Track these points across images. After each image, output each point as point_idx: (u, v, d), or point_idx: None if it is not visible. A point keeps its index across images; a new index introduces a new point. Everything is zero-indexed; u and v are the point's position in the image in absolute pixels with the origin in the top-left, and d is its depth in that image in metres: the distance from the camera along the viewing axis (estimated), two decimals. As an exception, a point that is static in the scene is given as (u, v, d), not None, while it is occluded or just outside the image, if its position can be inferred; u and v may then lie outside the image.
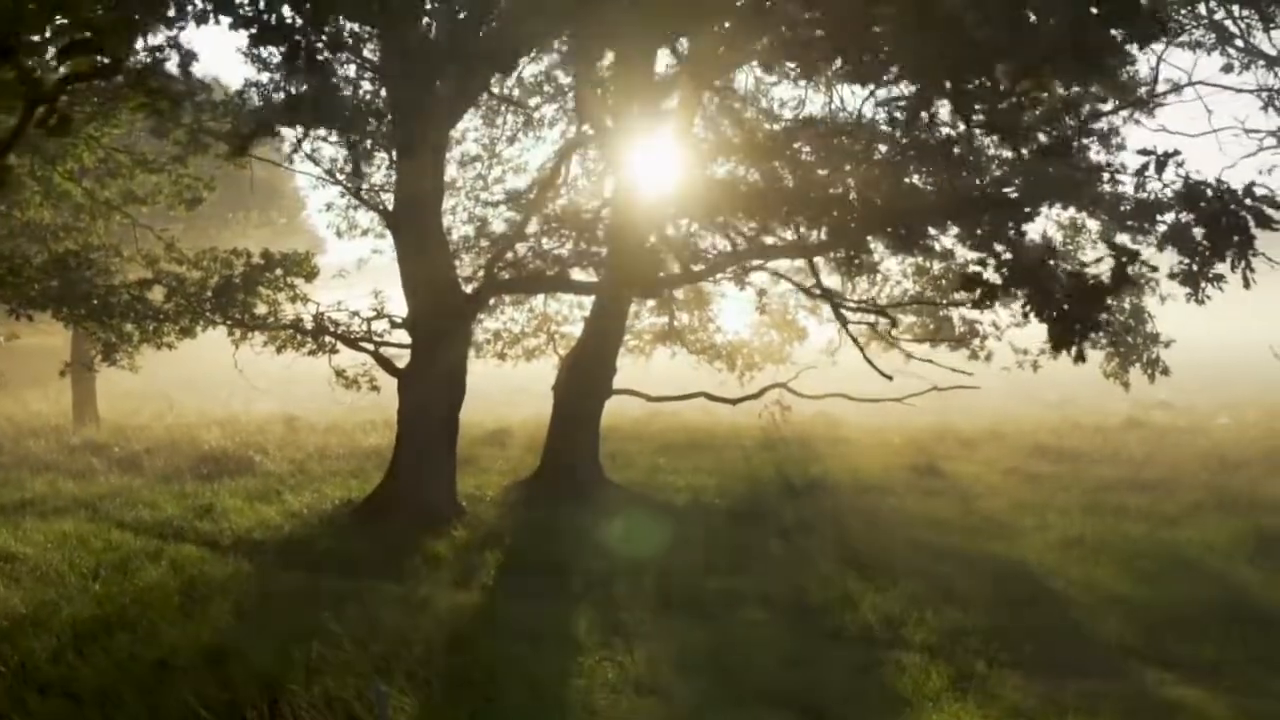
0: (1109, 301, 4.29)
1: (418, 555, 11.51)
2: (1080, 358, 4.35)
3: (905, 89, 6.77)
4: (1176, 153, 5.69)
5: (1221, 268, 9.99)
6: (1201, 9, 14.17)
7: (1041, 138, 7.43)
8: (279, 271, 14.68)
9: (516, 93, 19.48)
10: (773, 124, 14.40)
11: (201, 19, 9.59)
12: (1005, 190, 6.06)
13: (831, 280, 20.18)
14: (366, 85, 13.56)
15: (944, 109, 6.96)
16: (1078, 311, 4.16)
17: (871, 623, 9.28)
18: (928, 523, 13.79)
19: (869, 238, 9.60)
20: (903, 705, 7.26)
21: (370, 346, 13.84)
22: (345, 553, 11.63)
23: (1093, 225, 15.73)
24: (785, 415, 20.93)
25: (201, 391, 31.67)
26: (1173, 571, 11.03)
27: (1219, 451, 18.81)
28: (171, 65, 13.67)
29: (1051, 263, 4.78)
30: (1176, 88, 14.95)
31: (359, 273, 20.10)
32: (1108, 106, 17.27)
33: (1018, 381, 20.87)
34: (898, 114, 6.36)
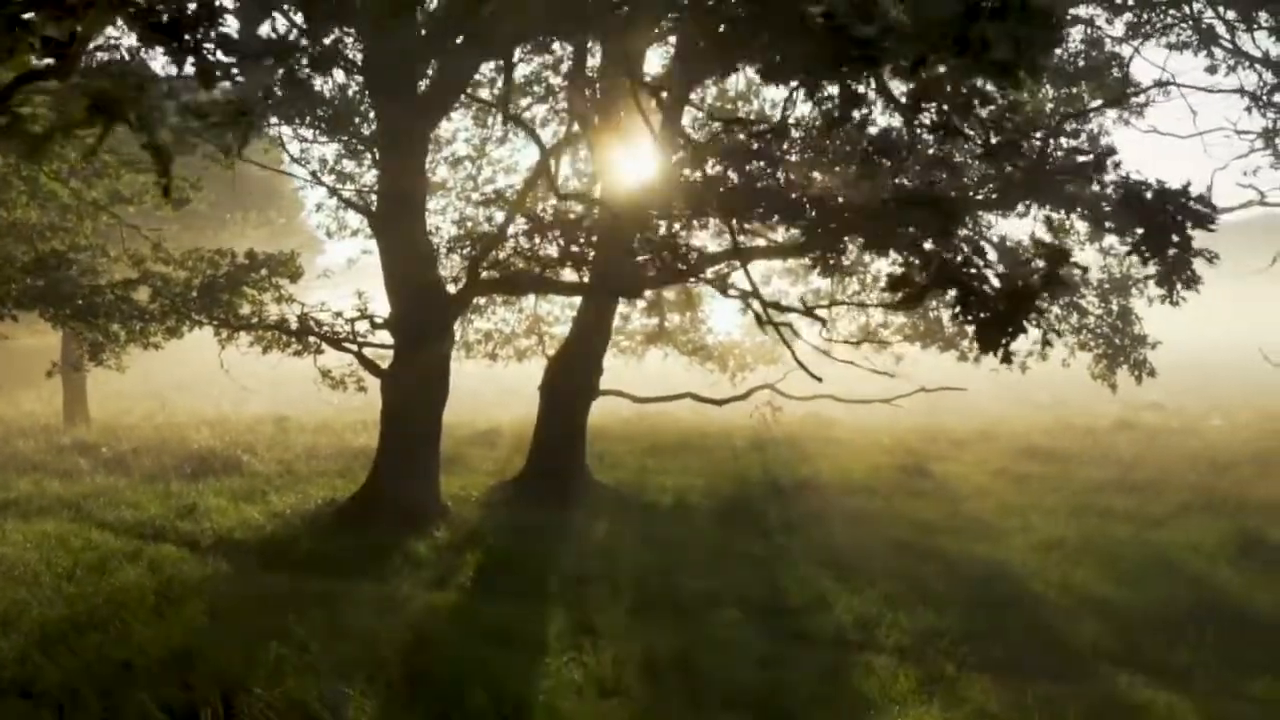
0: (1038, 303, 4.24)
1: (398, 556, 11.49)
2: (1007, 359, 4.31)
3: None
4: (1112, 151, 5.65)
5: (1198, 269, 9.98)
6: (1187, 9, 14.12)
7: (1013, 139, 7.45)
8: (264, 272, 14.73)
9: (507, 93, 19.57)
10: (759, 124, 14.34)
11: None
12: (936, 189, 6.05)
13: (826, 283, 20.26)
14: (348, 82, 13.59)
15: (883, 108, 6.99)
16: (1006, 313, 4.12)
17: (845, 624, 9.25)
18: (912, 524, 13.75)
19: (845, 238, 9.55)
20: (868, 708, 7.22)
21: (354, 347, 13.83)
22: (325, 553, 11.60)
23: (1082, 226, 15.75)
24: (776, 416, 20.94)
25: (195, 392, 31.69)
26: (1153, 574, 10.98)
27: (1209, 453, 18.75)
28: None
29: (979, 263, 4.75)
30: (1159, 85, 14.89)
31: (349, 273, 20.18)
32: (1100, 105, 17.28)
33: (1011, 383, 20.84)
34: (831, 113, 6.34)
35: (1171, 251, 6.62)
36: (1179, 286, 8.60)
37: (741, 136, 9.42)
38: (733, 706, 7.16)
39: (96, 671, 7.21)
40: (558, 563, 11.19)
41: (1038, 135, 8.06)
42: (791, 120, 10.46)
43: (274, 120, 14.92)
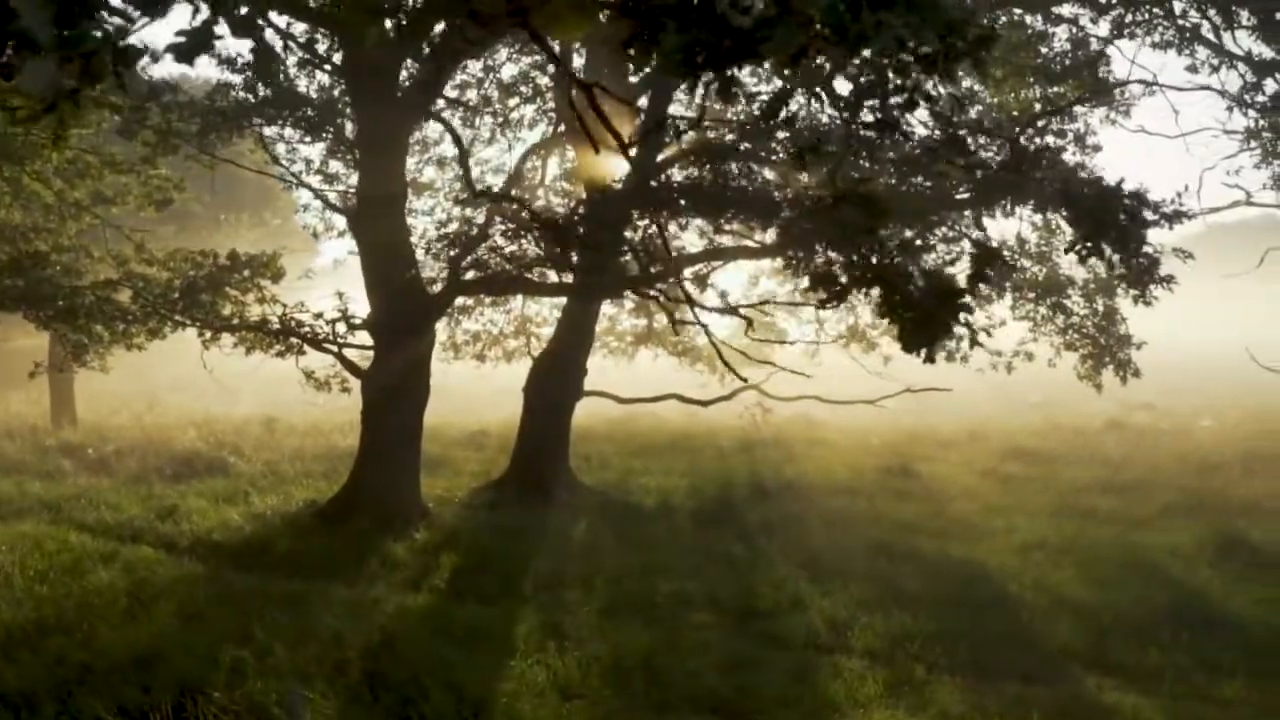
0: (965, 302, 4.20)
1: (374, 557, 11.45)
2: (930, 359, 4.27)
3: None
4: (1047, 148, 5.60)
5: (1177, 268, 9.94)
6: (1170, 6, 14.08)
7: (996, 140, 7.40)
8: (246, 273, 14.69)
9: (495, 93, 19.53)
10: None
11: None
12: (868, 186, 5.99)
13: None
14: (328, 83, 13.56)
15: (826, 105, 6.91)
16: (932, 313, 4.08)
17: (817, 627, 9.20)
18: (893, 525, 13.70)
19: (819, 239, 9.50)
20: (832, 711, 7.18)
21: (334, 348, 13.79)
22: (302, 554, 11.57)
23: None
24: (765, 417, 20.88)
25: (188, 392, 31.63)
26: (1131, 575, 10.94)
27: (1197, 454, 18.70)
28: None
29: (906, 262, 4.71)
30: (1143, 84, 14.83)
31: (336, 273, 20.13)
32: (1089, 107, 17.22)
33: (1003, 383, 20.78)
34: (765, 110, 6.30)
35: (1110, 249, 6.56)
36: (1151, 286, 8.54)
37: (710, 136, 9.38)
38: (697, 709, 7.13)
39: (57, 674, 7.18)
40: (534, 564, 11.15)
41: (1000, 133, 8.01)
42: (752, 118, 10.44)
43: (258, 121, 14.89)
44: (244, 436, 20.82)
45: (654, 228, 11.41)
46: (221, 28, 2.99)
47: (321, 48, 13.41)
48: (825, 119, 8.09)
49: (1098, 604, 9.86)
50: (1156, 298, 8.78)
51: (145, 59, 14.60)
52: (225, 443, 19.65)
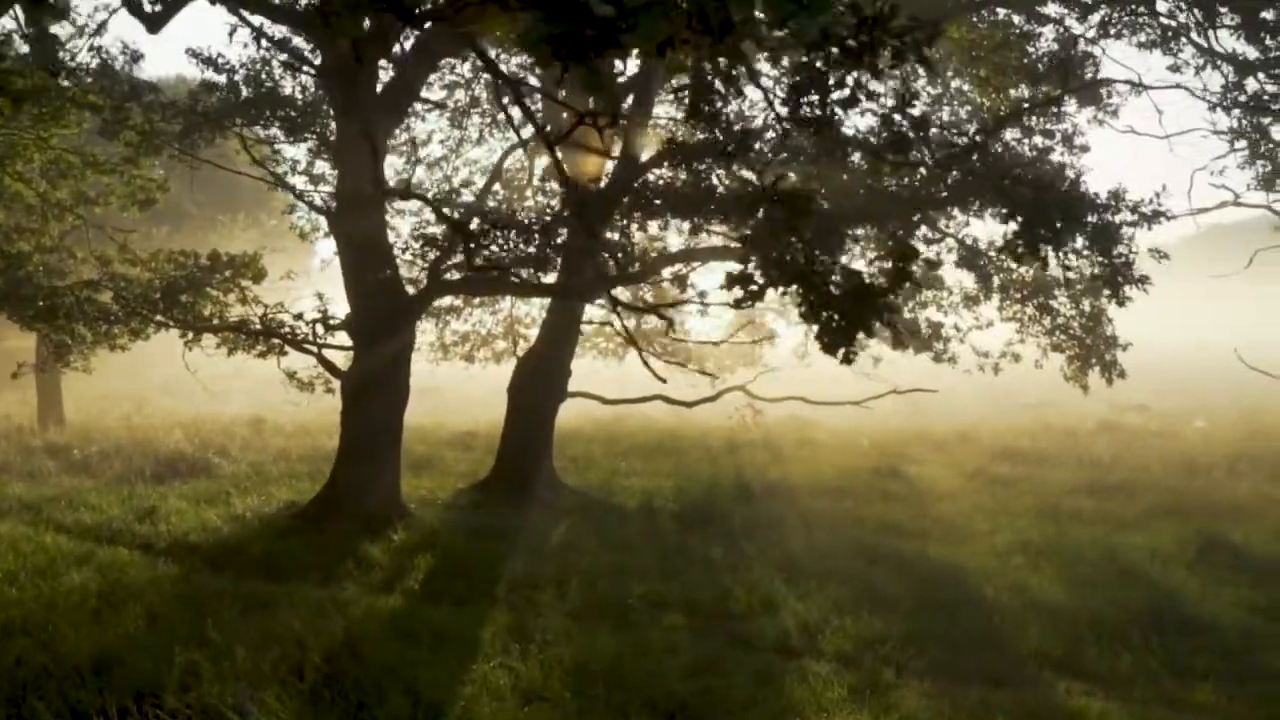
0: (885, 301, 4.13)
1: (350, 559, 11.39)
2: (847, 360, 4.19)
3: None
4: (978, 145, 5.52)
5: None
6: (1158, 5, 14.00)
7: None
8: (228, 273, 14.67)
9: (483, 94, 19.51)
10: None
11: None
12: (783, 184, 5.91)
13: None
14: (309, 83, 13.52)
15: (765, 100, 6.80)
16: (852, 313, 4.02)
17: (789, 630, 9.14)
18: (877, 527, 13.64)
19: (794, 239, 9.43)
20: (795, 716, 7.10)
21: (314, 348, 13.75)
22: (278, 556, 11.52)
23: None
24: (756, 418, 20.84)
25: (179, 394, 31.61)
26: (1110, 578, 10.86)
27: (1186, 455, 18.61)
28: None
29: (827, 261, 4.63)
30: (1128, 83, 14.74)
31: (324, 273, 20.11)
32: (1073, 107, 17.13)
33: (999, 384, 20.73)
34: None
35: (1044, 246, 6.49)
36: (1125, 287, 8.47)
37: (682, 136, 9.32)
38: (657, 713, 7.06)
39: (16, 677, 7.11)
40: (509, 566, 11.10)
41: (950, 132, 7.94)
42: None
43: (240, 121, 14.87)
44: (231, 437, 20.80)
45: (631, 228, 11.36)
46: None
47: (301, 47, 13.35)
48: (760, 117, 8.08)
49: (1073, 607, 9.79)
50: (1131, 298, 8.70)
51: (127, 58, 14.64)
52: (211, 444, 19.62)
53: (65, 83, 13.43)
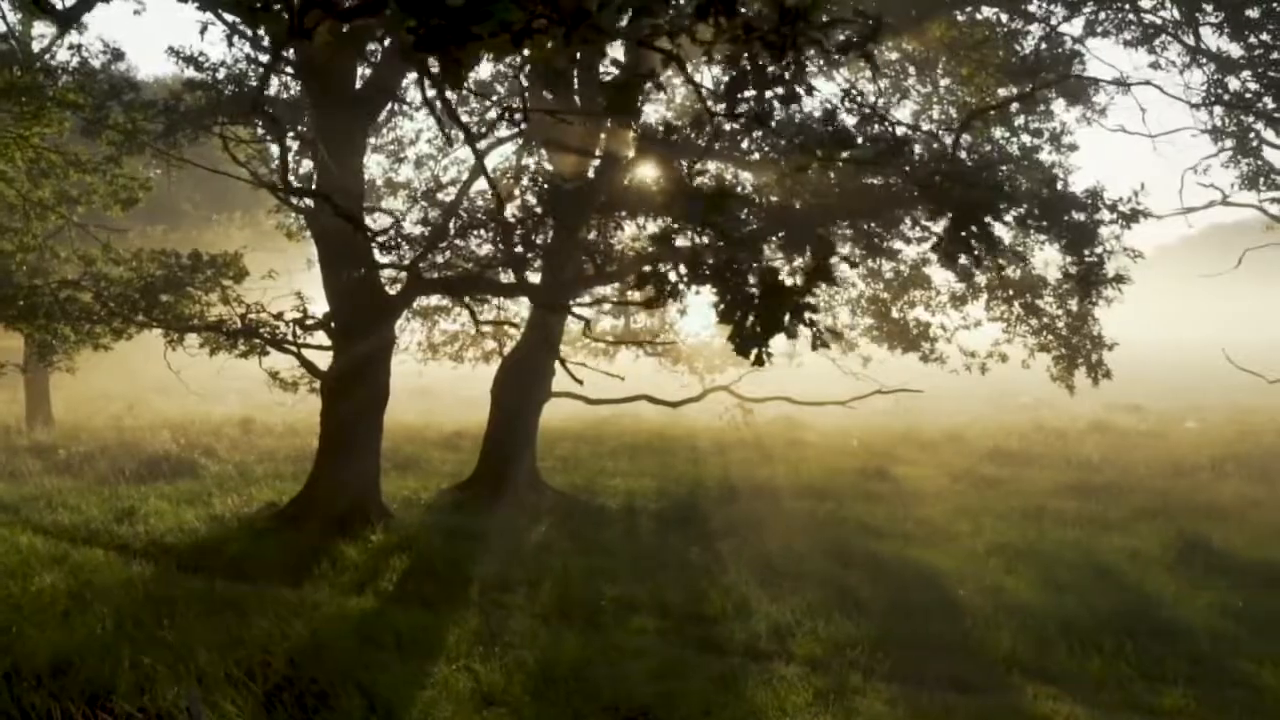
0: (806, 301, 4.05)
1: (325, 560, 11.34)
2: (759, 361, 4.12)
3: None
4: (907, 141, 5.45)
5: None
6: (1141, 2, 13.92)
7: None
8: (210, 272, 14.61)
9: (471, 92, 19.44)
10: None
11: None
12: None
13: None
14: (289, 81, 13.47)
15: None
16: (767, 312, 3.94)
17: (760, 633, 9.06)
18: (859, 528, 13.57)
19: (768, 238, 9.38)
20: (755, 720, 7.05)
21: (293, 348, 13.69)
22: (253, 557, 11.47)
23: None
24: (747, 418, 20.76)
25: (171, 394, 31.59)
26: (1087, 580, 10.79)
27: (1174, 456, 18.51)
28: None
29: (742, 259, 4.55)
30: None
31: (311, 272, 20.00)
32: (1064, 105, 17.02)
33: (994, 383, 20.61)
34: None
35: (973, 242, 6.40)
36: (1099, 288, 8.39)
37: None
38: (618, 718, 7.00)
39: (-30, 680, 7.08)
40: (484, 568, 11.04)
41: (885, 131, 7.84)
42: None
43: (223, 120, 14.81)
44: (219, 437, 20.77)
45: (609, 226, 11.29)
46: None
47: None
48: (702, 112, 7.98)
49: (1046, 610, 9.71)
50: (1105, 298, 8.62)
51: (107, 56, 14.59)
52: (198, 444, 19.59)
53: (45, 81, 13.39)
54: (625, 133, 12.98)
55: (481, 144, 18.99)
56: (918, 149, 8.63)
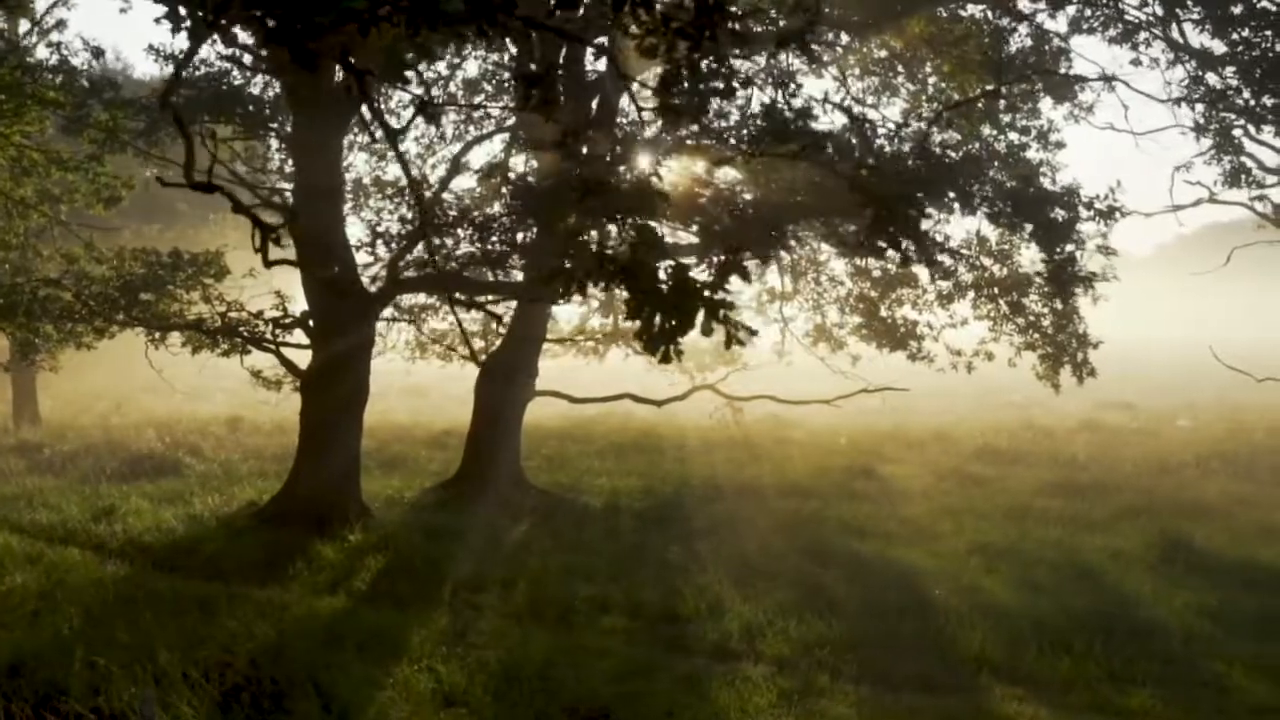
0: (719, 298, 3.99)
1: (301, 559, 11.29)
2: (665, 359, 4.06)
3: None
4: (828, 135, 5.40)
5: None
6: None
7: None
8: (191, 270, 14.58)
9: (460, 91, 19.40)
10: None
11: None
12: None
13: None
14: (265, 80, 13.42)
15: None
16: (676, 310, 3.88)
17: (731, 633, 8.99)
18: (840, 527, 13.51)
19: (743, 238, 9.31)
20: (716, 722, 6.99)
21: (272, 346, 13.65)
22: (230, 556, 11.42)
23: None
24: (737, 416, 20.70)
25: (164, 392, 31.58)
26: (1066, 580, 10.72)
27: (1161, 455, 18.43)
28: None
29: (653, 255, 4.49)
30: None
31: (296, 271, 19.94)
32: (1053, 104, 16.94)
33: (985, 382, 20.53)
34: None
35: (901, 238, 6.34)
36: (1072, 286, 8.32)
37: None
38: (578, 718, 6.95)
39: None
40: (460, 567, 10.99)
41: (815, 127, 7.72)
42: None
43: (204, 118, 14.76)
44: (205, 436, 20.74)
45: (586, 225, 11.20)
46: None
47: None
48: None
49: (1020, 610, 9.64)
50: (1077, 294, 8.55)
51: (87, 54, 14.55)
52: (184, 443, 19.55)
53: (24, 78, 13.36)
54: (607, 131, 12.93)
55: (465, 140, 19.02)
56: (850, 142, 8.52)
